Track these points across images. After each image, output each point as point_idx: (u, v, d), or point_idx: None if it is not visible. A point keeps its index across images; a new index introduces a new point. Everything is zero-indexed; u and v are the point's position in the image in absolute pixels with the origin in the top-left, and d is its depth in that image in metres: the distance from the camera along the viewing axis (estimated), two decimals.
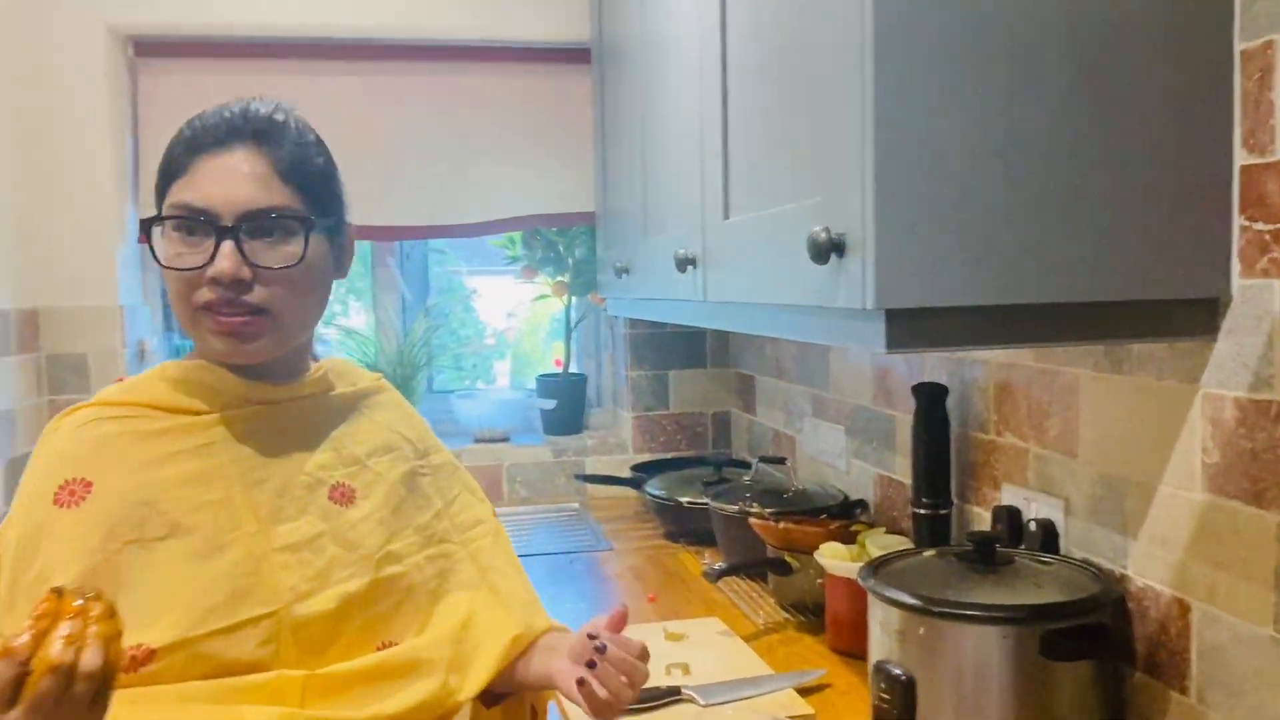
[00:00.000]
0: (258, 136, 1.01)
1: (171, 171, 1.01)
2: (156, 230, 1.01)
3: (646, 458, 2.73)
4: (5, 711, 0.75)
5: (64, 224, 2.44)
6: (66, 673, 0.75)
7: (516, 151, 2.63)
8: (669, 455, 2.73)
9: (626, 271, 2.12)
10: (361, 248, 2.88)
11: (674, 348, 2.76)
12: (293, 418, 1.09)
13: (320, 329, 2.83)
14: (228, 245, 0.98)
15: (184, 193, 0.99)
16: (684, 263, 1.54)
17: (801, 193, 1.08)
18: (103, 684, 0.77)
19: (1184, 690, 1.08)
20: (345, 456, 1.10)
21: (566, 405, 2.81)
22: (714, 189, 1.41)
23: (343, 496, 1.08)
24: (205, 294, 0.99)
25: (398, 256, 2.88)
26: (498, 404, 2.82)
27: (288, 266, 1.00)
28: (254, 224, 0.99)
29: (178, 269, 0.99)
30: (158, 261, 1.00)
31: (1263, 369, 0.96)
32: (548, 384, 2.83)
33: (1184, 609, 1.07)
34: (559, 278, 2.76)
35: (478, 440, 2.76)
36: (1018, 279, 0.95)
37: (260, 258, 0.99)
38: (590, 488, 2.68)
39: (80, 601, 0.78)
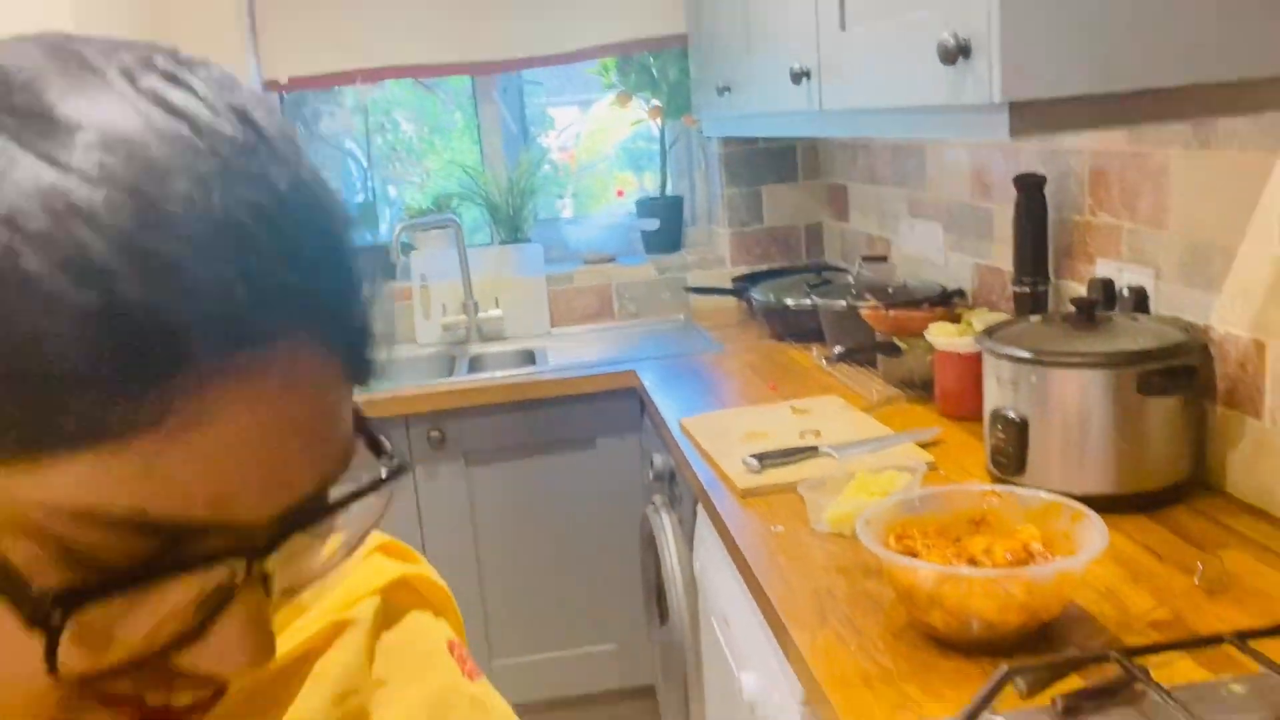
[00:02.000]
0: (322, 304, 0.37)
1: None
2: None
3: (745, 269, 2.92)
4: None
5: None
6: None
7: None
8: (764, 267, 2.92)
9: (728, 90, 2.26)
10: (463, 83, 3.04)
11: (766, 164, 2.91)
12: None
13: (429, 166, 3.02)
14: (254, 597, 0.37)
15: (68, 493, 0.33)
16: (799, 75, 1.69)
17: (922, 1, 1.23)
18: None
19: (1259, 415, 1.28)
20: None
21: (666, 225, 2.99)
22: (829, 2, 1.55)
23: None
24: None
25: (498, 91, 3.03)
26: (603, 227, 3.02)
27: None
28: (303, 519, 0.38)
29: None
30: None
31: None
32: (647, 206, 3.01)
33: (1260, 348, 1.26)
34: (654, 102, 2.90)
35: (587, 262, 2.97)
36: (1120, 68, 1.10)
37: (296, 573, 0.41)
38: (694, 301, 2.90)
39: None
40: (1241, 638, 0.91)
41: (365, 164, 3.08)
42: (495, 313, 2.79)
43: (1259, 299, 1.26)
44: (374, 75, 2.81)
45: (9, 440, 0.31)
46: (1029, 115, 1.10)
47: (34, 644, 0.32)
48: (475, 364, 2.67)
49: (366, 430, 0.43)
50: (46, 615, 0.32)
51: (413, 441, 2.34)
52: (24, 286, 0.30)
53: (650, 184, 3.24)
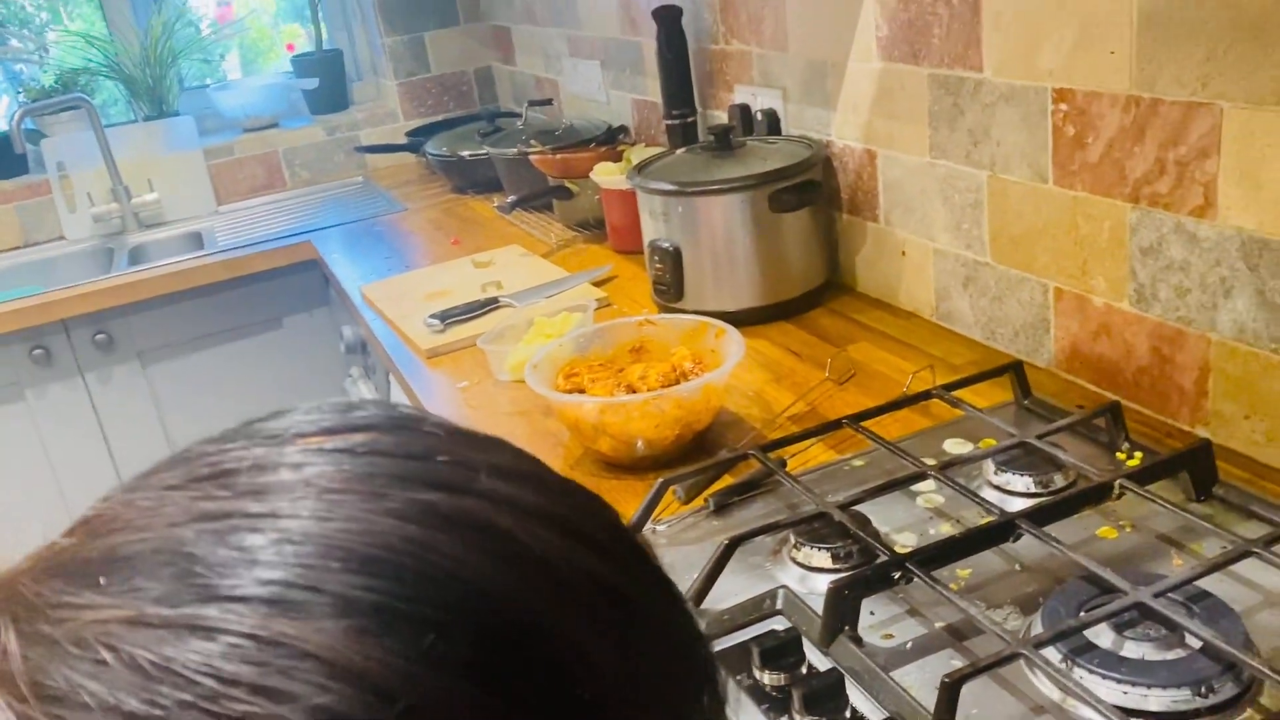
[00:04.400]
0: None
1: None
2: None
3: (418, 122, 2.84)
4: None
5: None
6: None
7: None
8: (439, 117, 2.85)
9: None
10: None
11: (426, 8, 2.80)
12: None
13: (47, 38, 2.68)
14: None
15: None
16: None
17: None
18: None
19: (875, 218, 1.42)
20: None
21: (328, 83, 2.84)
22: None
23: None
24: None
25: None
26: (258, 90, 2.82)
27: None
28: None
29: None
30: None
31: None
32: (304, 63, 2.84)
33: (871, 157, 1.39)
34: None
35: (247, 130, 2.78)
36: None
37: None
38: (371, 159, 2.80)
39: None
40: (855, 420, 1.04)
41: None
42: (150, 196, 2.57)
43: (866, 111, 1.38)
44: None
45: None
46: None
47: None
48: (137, 255, 2.47)
49: None
50: None
51: (76, 347, 2.17)
52: None
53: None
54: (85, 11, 2.83)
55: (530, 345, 1.39)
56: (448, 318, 1.58)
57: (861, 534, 0.85)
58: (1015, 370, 1.10)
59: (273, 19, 3.09)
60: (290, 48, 2.98)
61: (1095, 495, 0.87)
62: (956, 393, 1.08)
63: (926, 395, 1.08)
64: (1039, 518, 0.84)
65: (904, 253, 1.38)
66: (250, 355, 2.31)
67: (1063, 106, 1.06)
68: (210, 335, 2.27)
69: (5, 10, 2.76)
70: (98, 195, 2.54)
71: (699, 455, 1.11)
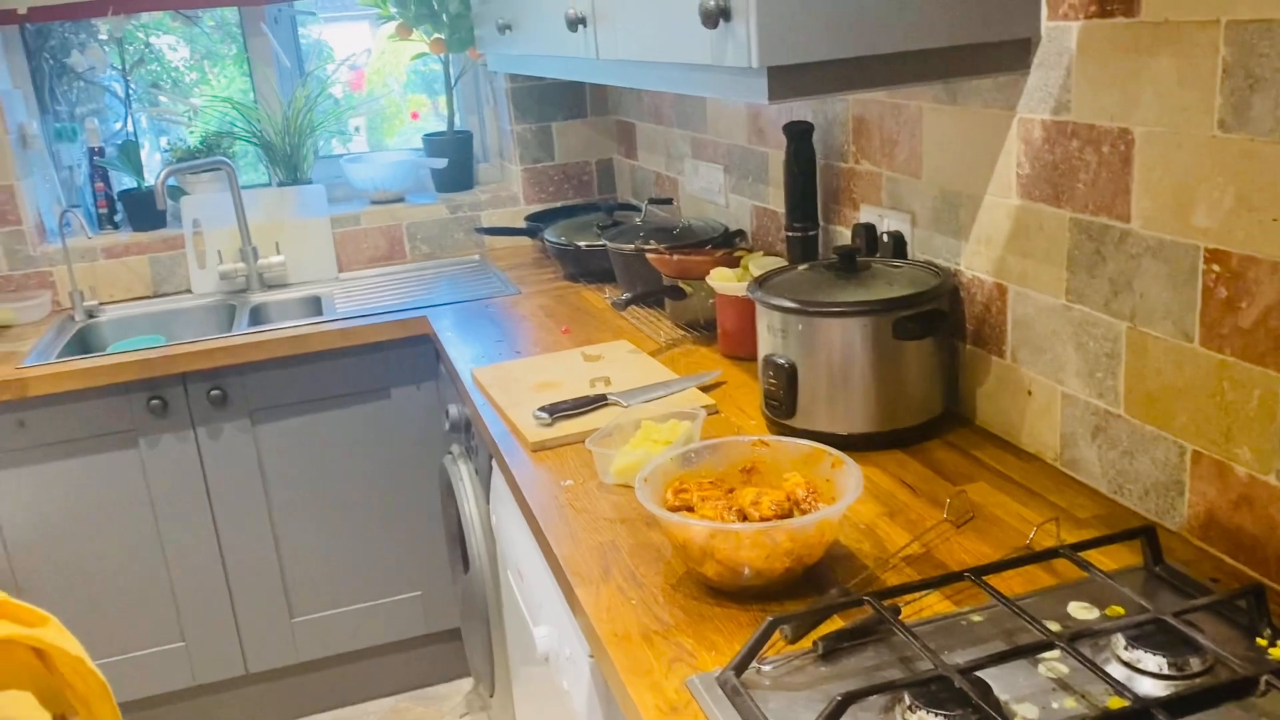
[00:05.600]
0: None
1: None
2: None
3: (538, 207, 2.91)
4: None
5: None
6: None
7: None
8: (558, 204, 2.92)
9: (509, 28, 2.21)
10: (231, 15, 2.85)
11: (555, 99, 2.88)
12: None
13: (191, 101, 2.82)
14: None
15: None
16: (575, 22, 1.67)
17: None
18: None
19: (1001, 354, 1.39)
20: None
21: (456, 162, 2.93)
22: None
23: None
24: None
25: (268, 22, 2.86)
26: (388, 165, 2.92)
27: None
28: None
29: None
30: None
31: (1062, 96, 1.20)
32: (435, 142, 2.93)
33: (1002, 291, 1.36)
34: (435, 34, 2.80)
35: (374, 202, 2.87)
36: (872, 34, 1.15)
37: None
38: (488, 239, 2.86)
39: None
40: (978, 574, 1.00)
41: (125, 99, 2.85)
42: (276, 258, 2.67)
43: (1000, 245, 1.35)
44: (126, 6, 2.59)
45: None
46: (786, 79, 1.14)
47: None
48: (257, 314, 2.56)
49: None
50: None
51: (192, 401, 2.23)
52: None
53: (445, 108, 3.16)
54: (232, 74, 2.98)
55: (637, 449, 1.38)
56: (556, 412, 1.58)
57: (983, 704, 0.81)
58: (1147, 535, 1.05)
59: (401, 89, 3.21)
60: (415, 116, 3.09)
61: (1238, 689, 0.82)
62: (1084, 553, 1.04)
63: (1053, 554, 1.04)
64: (1177, 708, 0.79)
65: (1030, 392, 1.34)
66: (356, 423, 2.35)
67: (1215, 267, 1.03)
68: (320, 400, 2.32)
69: (161, 69, 2.92)
70: (227, 254, 2.65)
71: (807, 590, 1.08)
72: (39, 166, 2.68)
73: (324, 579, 2.42)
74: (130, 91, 2.84)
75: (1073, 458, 1.28)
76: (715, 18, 1.14)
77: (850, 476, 1.09)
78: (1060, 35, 1.19)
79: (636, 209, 2.61)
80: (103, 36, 2.80)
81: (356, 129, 3.16)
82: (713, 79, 1.25)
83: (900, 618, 0.98)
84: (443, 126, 2.99)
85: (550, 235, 2.50)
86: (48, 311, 2.58)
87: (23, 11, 2.52)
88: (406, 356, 2.35)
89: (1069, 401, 1.27)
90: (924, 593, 1.04)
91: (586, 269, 2.43)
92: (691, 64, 1.28)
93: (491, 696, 2.13)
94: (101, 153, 2.76)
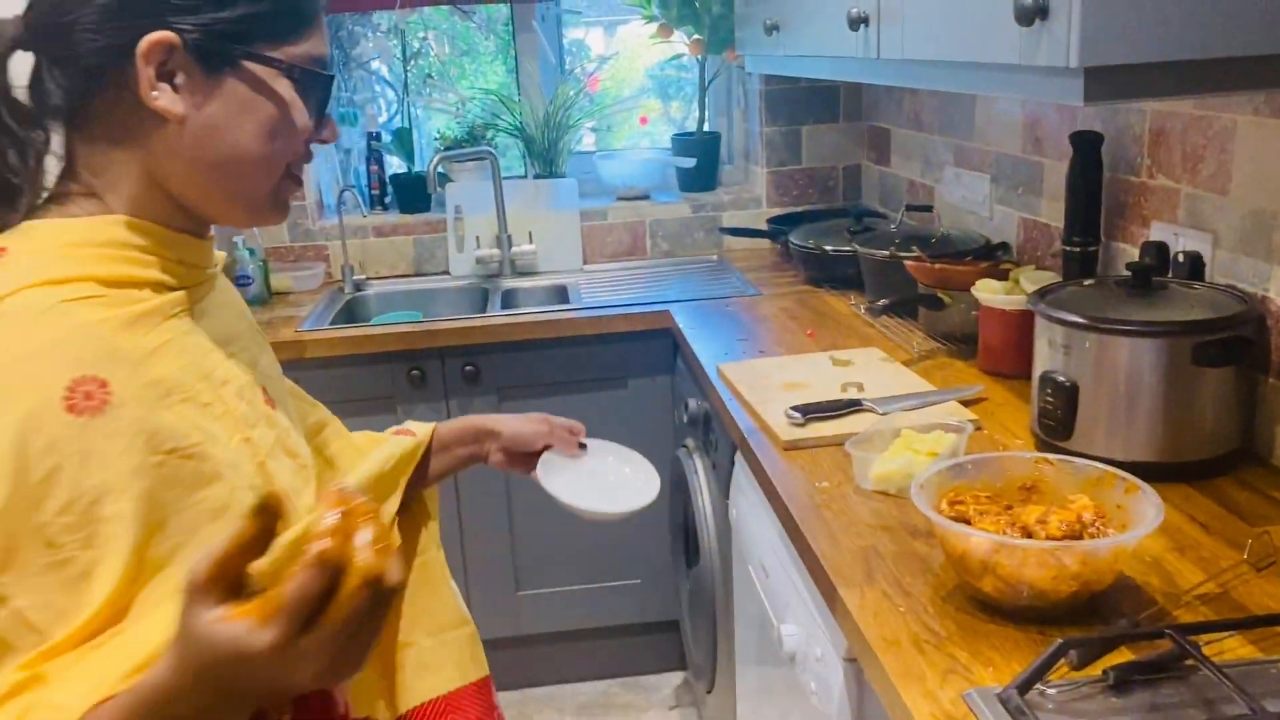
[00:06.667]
0: None
1: (298, 17, 0.85)
2: (258, 69, 0.83)
3: (780, 211, 2.90)
4: (305, 633, 0.61)
5: None
6: (377, 584, 0.62)
7: None
8: (801, 208, 2.90)
9: (777, 29, 2.22)
10: (501, 11, 2.99)
11: (808, 103, 2.87)
12: (223, 294, 0.96)
13: (461, 92, 2.97)
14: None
15: (318, 47, 0.87)
16: (857, 21, 1.65)
17: None
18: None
19: None
20: (253, 349, 0.97)
21: (702, 163, 2.96)
22: None
23: (268, 399, 0.94)
24: (298, 155, 0.88)
25: (537, 19, 2.98)
26: (637, 163, 2.99)
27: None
28: None
29: (300, 124, 0.86)
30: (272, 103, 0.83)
31: None
32: (683, 142, 2.98)
33: None
34: (695, 35, 2.84)
35: (620, 198, 2.94)
36: (1198, 36, 1.07)
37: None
38: (728, 240, 2.88)
39: (365, 503, 0.64)
40: None
41: (401, 90, 3.04)
42: (529, 247, 2.78)
43: None
44: (412, 1, 2.77)
45: (297, 25, 0.84)
46: (1104, 81, 1.08)
47: (301, 109, 0.86)
48: (508, 299, 2.67)
49: None
50: (308, 88, 0.86)
51: (448, 375, 2.36)
52: None
53: (676, 112, 3.20)
54: (493, 71, 3.12)
55: (898, 457, 1.35)
56: (809, 412, 1.57)
57: None
58: None
59: (635, 93, 3.28)
60: (643, 121, 3.14)
61: None
62: None
63: None
64: None
65: None
66: (593, 408, 2.41)
67: None
68: (563, 384, 2.40)
69: (428, 62, 3.10)
70: (485, 239, 2.78)
71: (1090, 618, 1.02)
72: (323, 148, 2.89)
73: (551, 557, 2.50)
74: (406, 82, 3.03)
75: None
76: (1032, 15, 1.09)
77: (1148, 504, 1.03)
78: None
79: (884, 216, 2.56)
80: (384, 29, 3.00)
81: (592, 129, 3.25)
82: (1017, 79, 1.21)
83: (1204, 654, 0.91)
84: (671, 130, 3.03)
85: (796, 238, 2.48)
86: (320, 282, 2.79)
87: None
88: (645, 349, 2.39)
89: None
90: (1228, 634, 0.96)
91: (831, 274, 2.40)
92: (992, 63, 1.24)
93: (709, 693, 2.13)
94: (378, 137, 2.96)
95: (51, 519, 0.71)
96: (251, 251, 2.60)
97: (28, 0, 0.82)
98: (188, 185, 0.84)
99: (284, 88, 0.84)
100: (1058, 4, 1.07)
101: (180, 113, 0.81)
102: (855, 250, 2.22)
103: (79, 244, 0.80)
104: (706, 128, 3.03)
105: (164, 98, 0.80)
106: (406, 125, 2.99)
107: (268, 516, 0.63)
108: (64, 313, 0.75)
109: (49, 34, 0.80)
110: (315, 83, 0.86)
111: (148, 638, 0.70)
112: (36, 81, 0.83)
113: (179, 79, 0.80)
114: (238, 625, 0.61)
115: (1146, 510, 1.02)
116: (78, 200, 0.83)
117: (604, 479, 1.34)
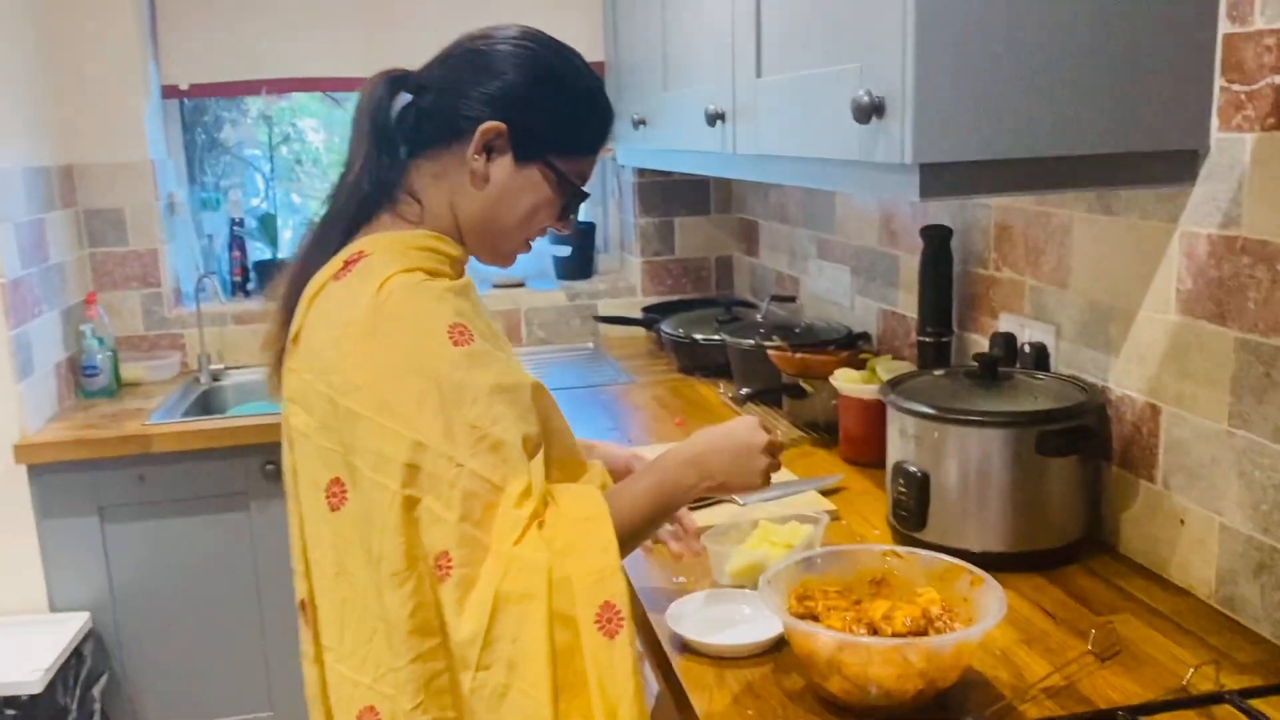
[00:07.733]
0: None
1: (590, 146, 1.14)
2: (547, 170, 1.11)
3: (654, 300, 2.91)
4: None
5: (90, 80, 2.52)
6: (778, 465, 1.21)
7: None
8: (675, 298, 2.92)
9: (644, 124, 2.25)
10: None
11: (679, 195, 2.91)
12: None
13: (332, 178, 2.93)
14: None
15: (589, 170, 1.16)
16: (714, 117, 1.68)
17: (840, 57, 1.22)
18: None
19: (1152, 478, 1.30)
20: None
21: (578, 252, 2.96)
22: (746, 48, 1.54)
23: None
24: (537, 234, 1.16)
25: None
26: None
27: None
28: None
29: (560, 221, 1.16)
30: (563, 190, 1.11)
31: (1232, 210, 1.14)
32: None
33: (1155, 411, 1.28)
34: None
35: (496, 285, 2.92)
36: (1030, 136, 1.11)
37: None
38: (603, 328, 2.87)
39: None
40: (1133, 713, 0.91)
41: (268, 174, 2.98)
42: None
43: (1154, 364, 1.28)
44: (280, 87, 2.73)
45: (587, 150, 1.15)
46: (939, 177, 1.10)
47: (558, 208, 1.14)
48: None
49: None
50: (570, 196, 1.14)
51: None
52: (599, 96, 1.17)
53: None
54: None
55: (755, 550, 1.32)
56: None
57: None
58: None
59: None
60: None
61: None
62: (1252, 701, 0.94)
63: (1218, 698, 0.94)
64: None
65: (1182, 521, 1.25)
66: None
67: None
68: None
69: (301, 148, 3.05)
70: None
71: (937, 715, 1.00)
72: (182, 233, 2.80)
73: None
74: (274, 167, 2.96)
75: (1230, 595, 1.18)
76: (869, 113, 1.12)
77: (992, 597, 1.02)
78: (1232, 147, 1.13)
79: (754, 306, 2.59)
80: (253, 115, 2.95)
81: None
82: (858, 174, 1.23)
83: None
84: None
85: (667, 327, 2.49)
86: (176, 372, 2.67)
87: (184, 87, 2.67)
88: None
89: (1228, 534, 1.18)
90: None
91: (702, 363, 2.40)
92: (835, 159, 1.27)
93: None
94: (241, 223, 2.88)
95: (469, 410, 0.98)
96: (100, 340, 2.47)
97: (444, 60, 1.12)
98: (467, 223, 1.12)
99: (555, 188, 1.12)
100: (893, 103, 1.10)
101: (484, 175, 1.09)
102: (724, 340, 2.22)
103: (411, 248, 1.08)
104: (582, 217, 3.04)
105: (479, 164, 1.09)
106: (273, 211, 2.92)
107: None
108: (428, 287, 1.04)
109: (441, 91, 1.10)
110: (576, 195, 1.15)
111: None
112: (402, 119, 1.11)
113: (494, 155, 1.09)
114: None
115: (990, 603, 1.02)
116: (404, 212, 1.11)
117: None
